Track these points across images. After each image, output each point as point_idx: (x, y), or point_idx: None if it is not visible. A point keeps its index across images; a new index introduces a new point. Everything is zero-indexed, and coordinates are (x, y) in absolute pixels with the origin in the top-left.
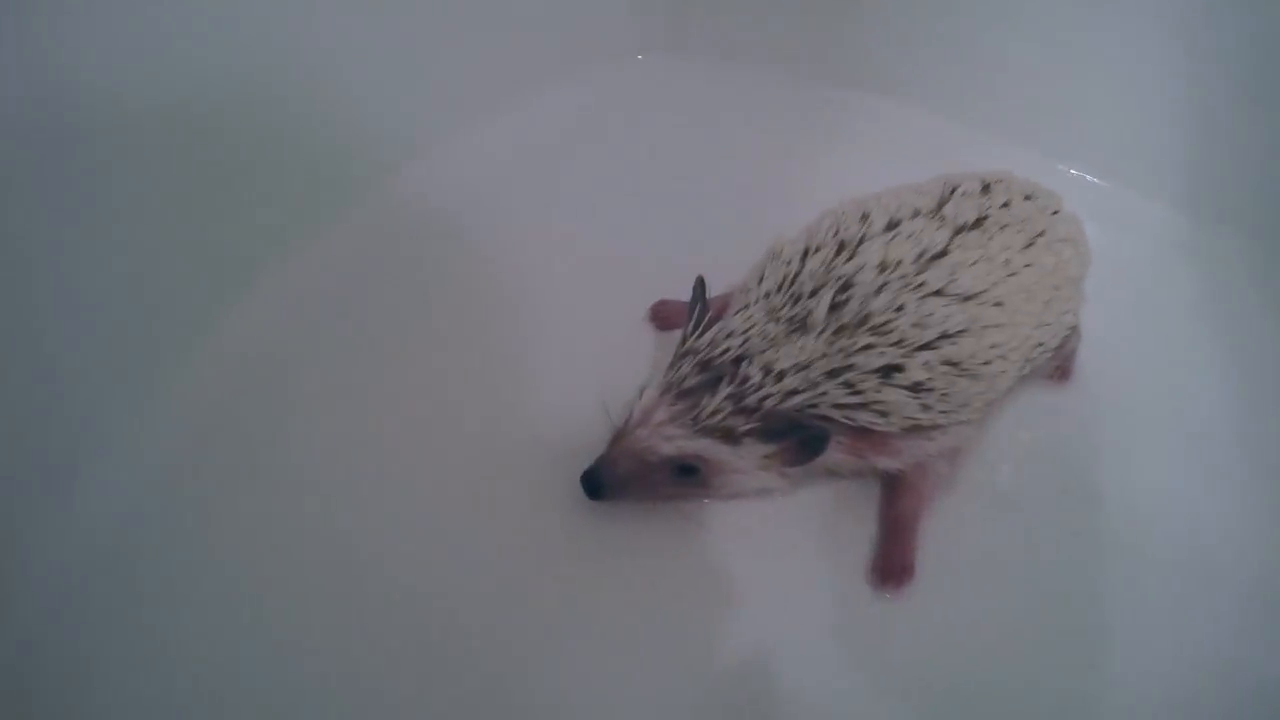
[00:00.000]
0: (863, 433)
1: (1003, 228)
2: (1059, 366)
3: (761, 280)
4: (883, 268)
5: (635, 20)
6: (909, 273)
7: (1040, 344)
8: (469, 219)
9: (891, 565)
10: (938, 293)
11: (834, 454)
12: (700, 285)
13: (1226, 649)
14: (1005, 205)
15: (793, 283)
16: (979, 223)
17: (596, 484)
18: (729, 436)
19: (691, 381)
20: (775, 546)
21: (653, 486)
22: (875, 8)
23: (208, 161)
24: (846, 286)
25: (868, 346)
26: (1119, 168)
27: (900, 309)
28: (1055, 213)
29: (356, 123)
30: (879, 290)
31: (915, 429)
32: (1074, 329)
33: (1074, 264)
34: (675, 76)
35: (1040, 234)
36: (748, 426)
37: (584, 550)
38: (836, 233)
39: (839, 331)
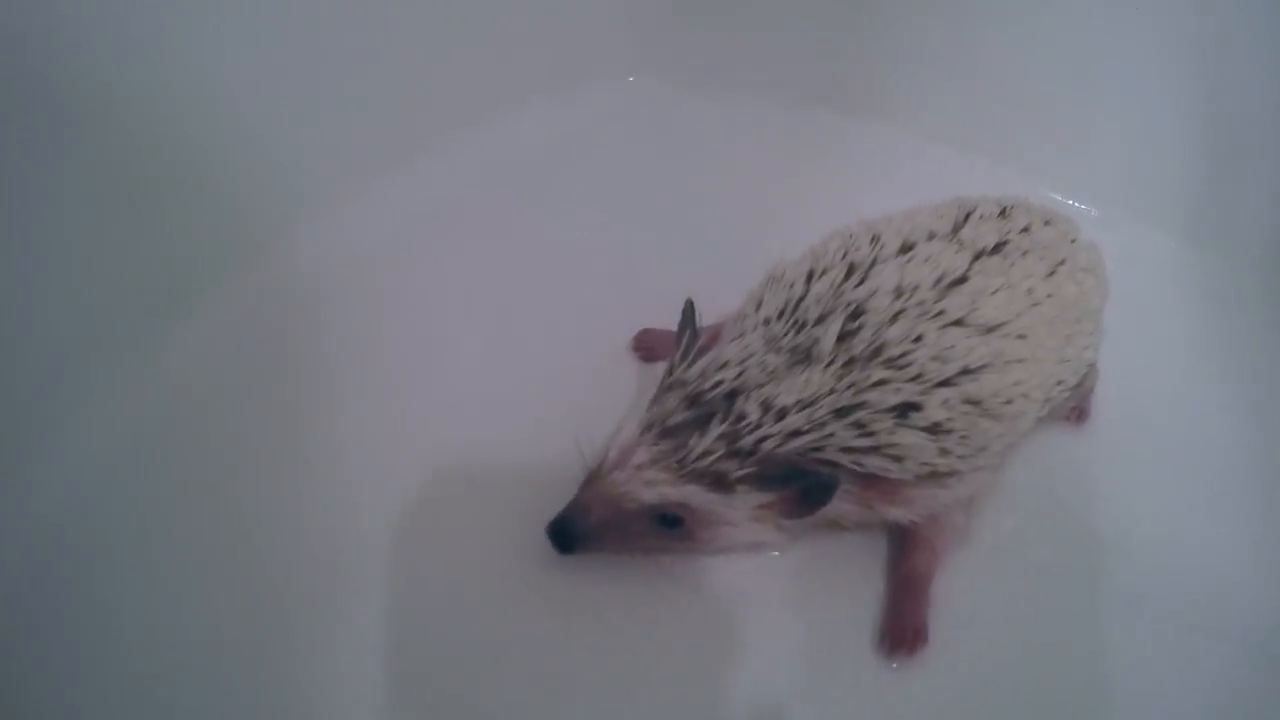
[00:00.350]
0: (871, 480)
1: (1024, 254)
2: (1076, 407)
3: (760, 306)
4: (898, 294)
5: (628, 41)
6: (927, 299)
7: (1061, 381)
8: (437, 237)
9: (903, 630)
10: (958, 323)
11: (839, 504)
12: (690, 309)
13: (1237, 703)
14: (1025, 230)
15: (796, 308)
16: (999, 248)
17: (566, 535)
18: (720, 483)
19: (678, 418)
20: (768, 607)
21: (630, 538)
22: (876, 34)
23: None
24: (857, 314)
25: (881, 382)
26: (1124, 200)
27: (918, 340)
28: (1074, 240)
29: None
30: (894, 319)
31: (930, 476)
32: (1092, 366)
33: (1095, 295)
34: (667, 99)
35: (1061, 262)
36: (742, 472)
37: (550, 610)
38: (845, 254)
39: (849, 364)
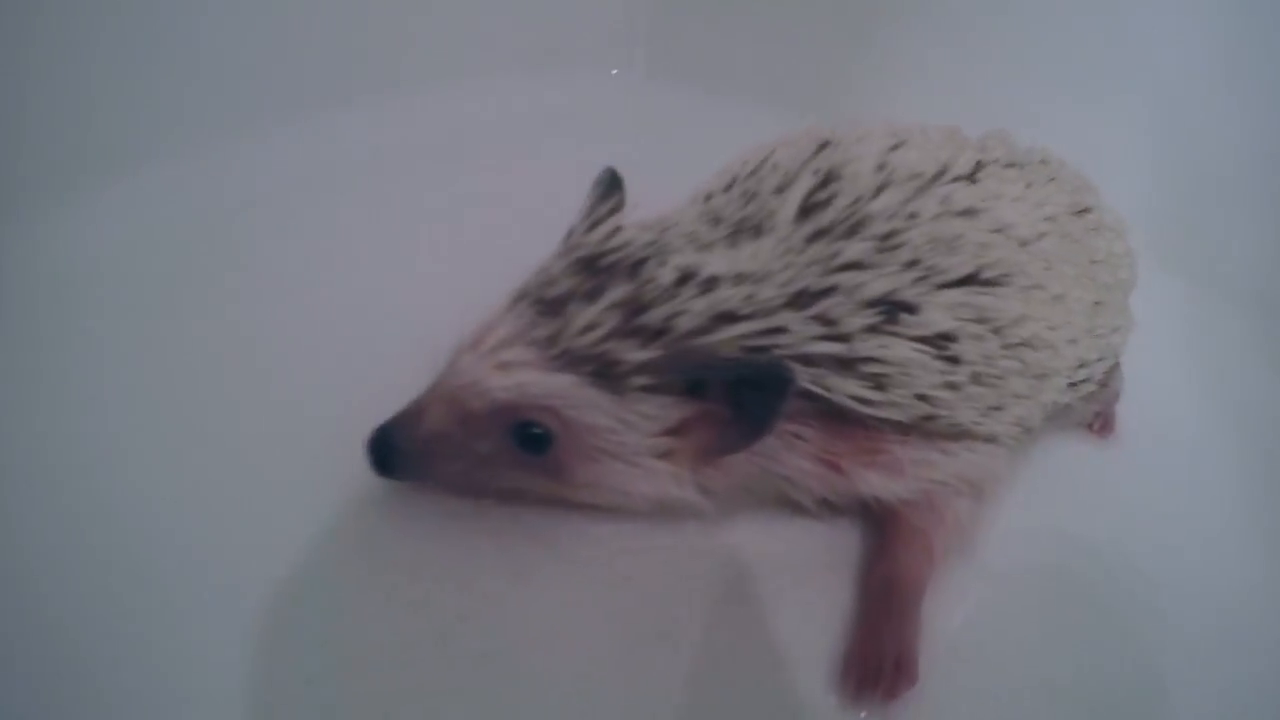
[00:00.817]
0: (841, 424)
1: (1048, 181)
2: (1100, 414)
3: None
4: (882, 167)
5: (615, 34)
6: (925, 175)
7: (1084, 364)
8: (370, 174)
9: (878, 658)
10: (967, 213)
11: (793, 459)
12: (611, 176)
13: None
14: (1043, 162)
15: (748, 178)
16: (1013, 165)
17: (385, 448)
18: (608, 375)
19: (562, 287)
20: (675, 610)
21: (476, 466)
22: (864, 48)
23: None
24: (830, 180)
25: (859, 263)
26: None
27: (913, 218)
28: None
29: None
30: (880, 190)
31: (925, 427)
32: (1118, 368)
33: (1124, 265)
34: (648, 97)
35: (1088, 209)
36: (642, 357)
37: (362, 564)
38: (816, 137)
39: (816, 238)
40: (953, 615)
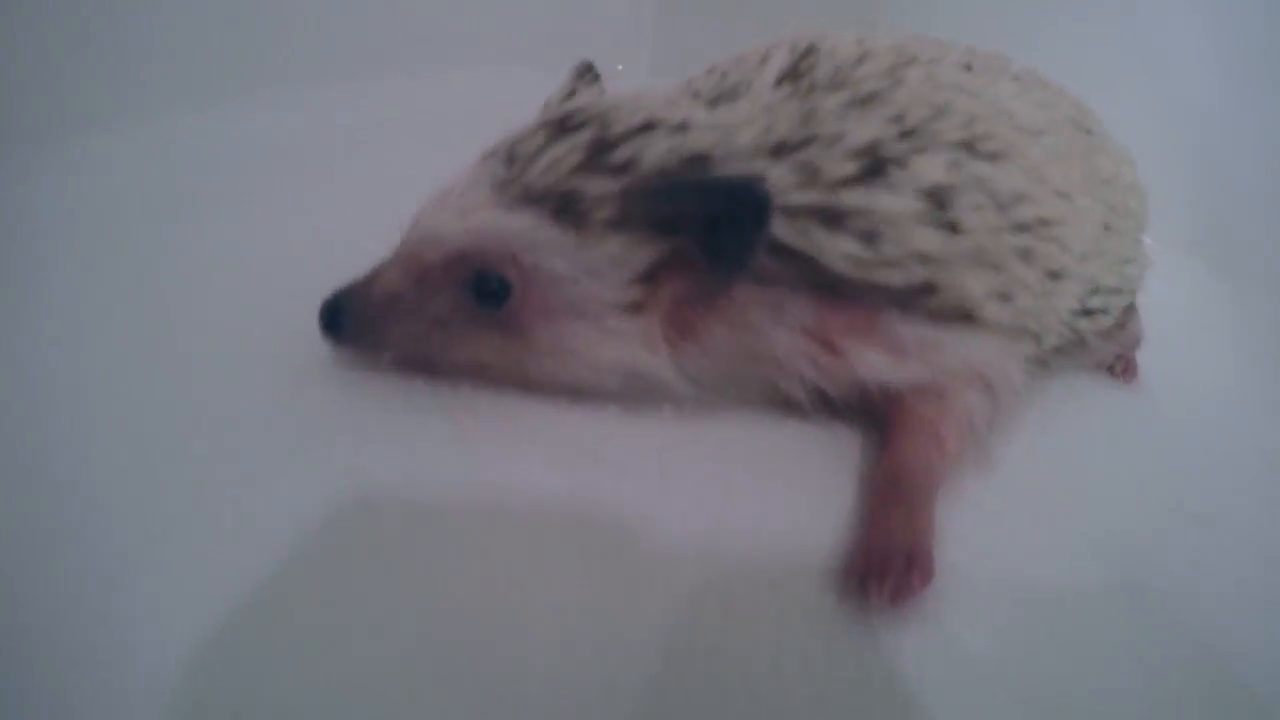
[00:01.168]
0: (833, 299)
1: (1045, 87)
2: (1122, 357)
3: None
4: (862, 42)
5: (621, 30)
6: (911, 57)
7: (1098, 289)
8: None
9: (885, 553)
10: (957, 88)
11: (783, 335)
12: (589, 67)
13: None
14: (1042, 84)
15: (727, 62)
16: (1007, 73)
17: (335, 313)
18: (569, 211)
19: (531, 142)
20: (656, 505)
21: (431, 328)
22: None
23: None
24: (809, 54)
25: (840, 115)
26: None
27: (900, 83)
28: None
29: None
30: (862, 59)
31: (928, 303)
32: (1134, 311)
33: (1135, 197)
34: None
35: (1089, 131)
36: (604, 189)
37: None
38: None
39: (795, 96)
40: (964, 518)
